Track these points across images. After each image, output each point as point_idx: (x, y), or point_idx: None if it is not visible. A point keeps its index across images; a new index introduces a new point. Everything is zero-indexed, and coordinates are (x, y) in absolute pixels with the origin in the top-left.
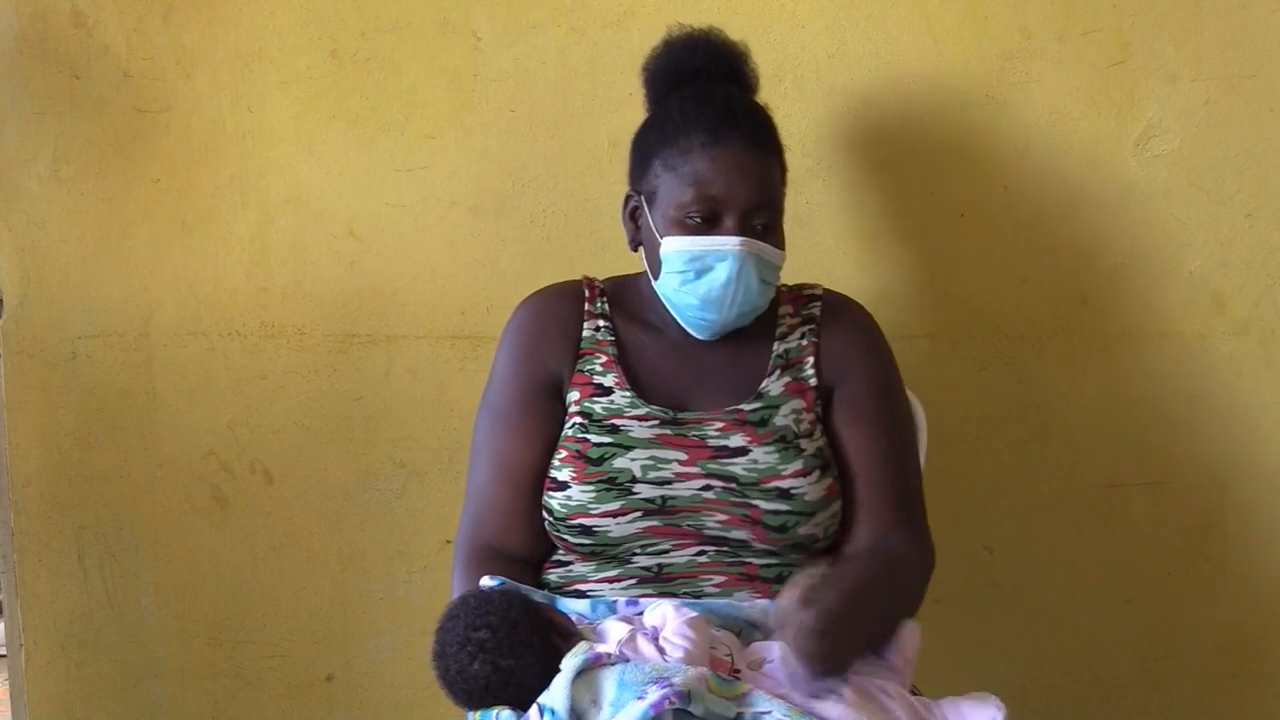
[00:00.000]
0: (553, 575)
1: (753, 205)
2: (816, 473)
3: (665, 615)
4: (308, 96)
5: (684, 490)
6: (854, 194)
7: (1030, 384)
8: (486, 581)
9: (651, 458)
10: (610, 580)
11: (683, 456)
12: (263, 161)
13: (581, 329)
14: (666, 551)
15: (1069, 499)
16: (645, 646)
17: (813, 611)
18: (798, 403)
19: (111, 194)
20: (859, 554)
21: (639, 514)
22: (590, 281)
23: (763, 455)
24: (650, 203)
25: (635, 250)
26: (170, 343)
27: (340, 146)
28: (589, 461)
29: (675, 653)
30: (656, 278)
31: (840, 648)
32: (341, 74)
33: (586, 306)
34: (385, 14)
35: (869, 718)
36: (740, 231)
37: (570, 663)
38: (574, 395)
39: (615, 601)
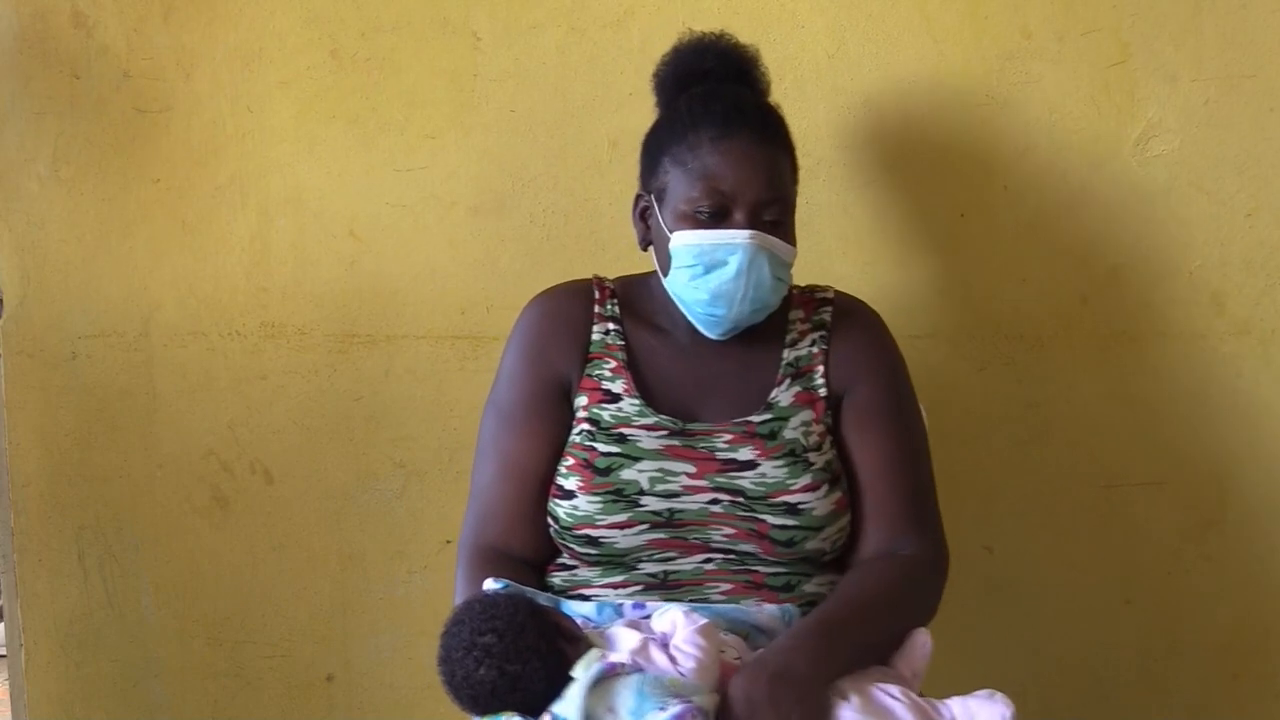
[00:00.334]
0: (557, 579)
1: (762, 200)
2: (825, 487)
3: (675, 621)
4: (308, 96)
5: (691, 504)
6: (854, 194)
7: (1030, 384)
8: (490, 584)
9: (660, 469)
10: (615, 586)
11: (691, 469)
12: (263, 161)
13: (591, 331)
14: (673, 559)
15: (1069, 499)
16: (658, 656)
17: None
18: (807, 414)
19: (111, 194)
20: (869, 561)
21: (645, 526)
22: (600, 282)
23: (771, 470)
24: (660, 200)
25: (645, 250)
26: (170, 343)
27: (340, 146)
28: (596, 471)
29: (687, 662)
30: (666, 275)
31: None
32: (341, 74)
33: (596, 309)
34: (385, 14)
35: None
36: (750, 225)
37: (584, 672)
38: (582, 400)
39: (621, 604)
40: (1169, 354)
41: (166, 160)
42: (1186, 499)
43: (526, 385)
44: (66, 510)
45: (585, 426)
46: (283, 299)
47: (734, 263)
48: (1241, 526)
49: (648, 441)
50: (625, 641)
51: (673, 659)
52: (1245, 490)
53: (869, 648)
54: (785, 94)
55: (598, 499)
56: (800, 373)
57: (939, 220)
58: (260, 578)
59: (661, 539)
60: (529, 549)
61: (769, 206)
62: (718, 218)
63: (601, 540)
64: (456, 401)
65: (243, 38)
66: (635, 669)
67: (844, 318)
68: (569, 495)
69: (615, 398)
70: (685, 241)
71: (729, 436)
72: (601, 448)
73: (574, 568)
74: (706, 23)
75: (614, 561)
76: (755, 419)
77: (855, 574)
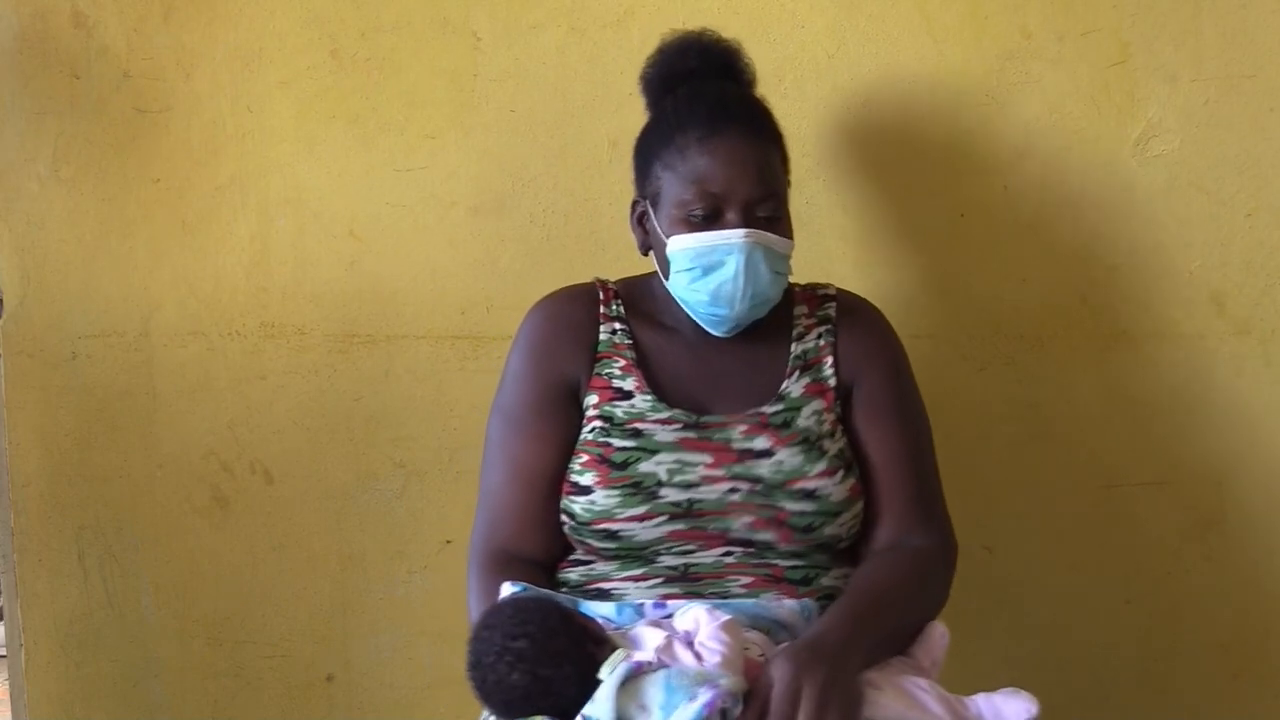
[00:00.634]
0: (573, 574)
1: (754, 197)
2: (840, 473)
3: (698, 619)
4: (308, 96)
5: (711, 494)
6: (854, 194)
7: (1030, 384)
8: (509, 587)
9: (678, 461)
10: (635, 579)
11: (709, 459)
12: (263, 161)
13: (598, 332)
14: (693, 552)
15: (1069, 499)
16: (683, 653)
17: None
18: (818, 403)
19: (111, 194)
20: (881, 552)
21: (665, 518)
22: (604, 284)
23: (788, 457)
24: (655, 205)
25: (646, 254)
26: (170, 343)
27: (340, 146)
28: (613, 466)
29: (712, 658)
30: (667, 278)
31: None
32: (341, 74)
33: (601, 309)
34: (385, 14)
35: (906, 709)
36: (744, 223)
37: (612, 673)
38: (592, 399)
39: (642, 604)
40: (1169, 354)
41: (166, 160)
42: (1186, 499)
43: (533, 388)
44: (66, 510)
45: (598, 424)
46: (283, 299)
47: (731, 263)
48: (1241, 526)
49: (663, 435)
50: (650, 640)
51: (698, 655)
52: (1245, 490)
53: (889, 637)
54: (784, 94)
55: (616, 492)
56: (809, 365)
57: (939, 220)
58: (260, 578)
59: (681, 530)
60: (540, 551)
61: (762, 202)
62: (712, 218)
63: (621, 534)
64: (456, 401)
65: (243, 38)
66: (661, 666)
67: (848, 313)
68: (585, 491)
69: (627, 395)
70: (681, 245)
71: (744, 427)
72: (617, 443)
73: (590, 563)
74: (706, 23)
75: (634, 555)
76: (768, 409)
77: (869, 566)
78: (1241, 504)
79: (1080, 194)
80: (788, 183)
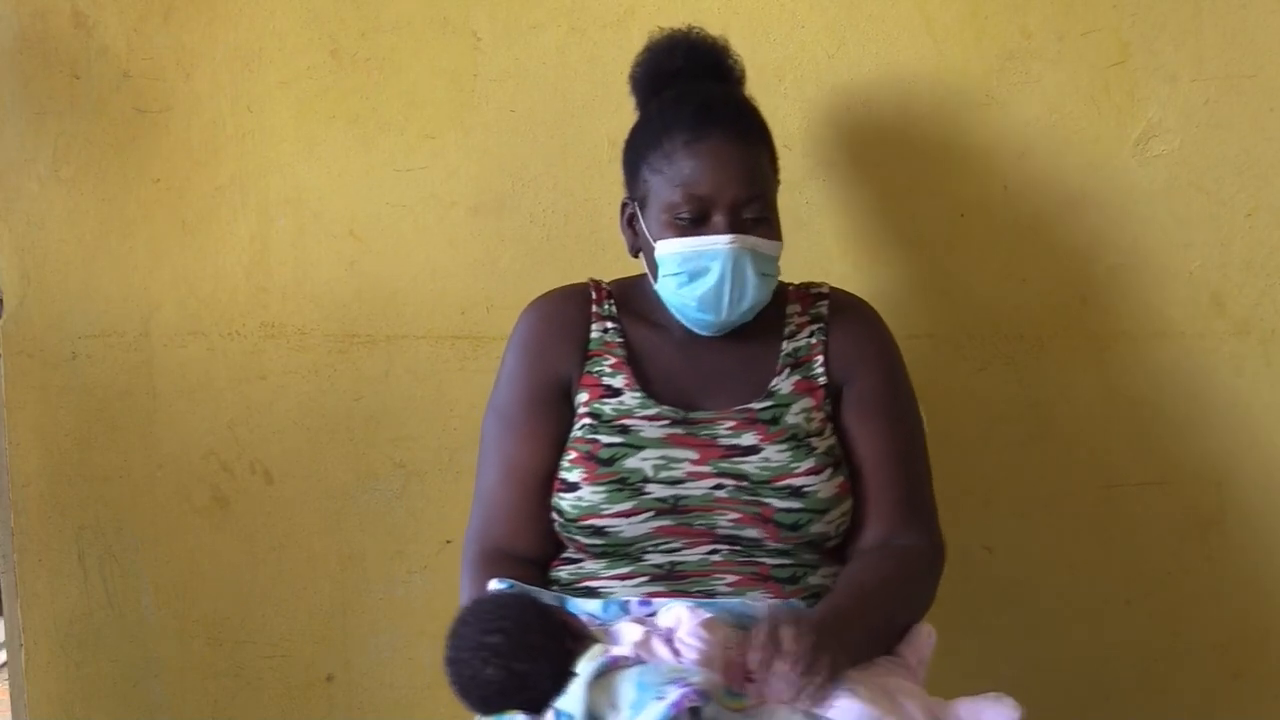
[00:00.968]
0: (563, 573)
1: (740, 199)
2: (828, 471)
3: (680, 617)
4: (308, 96)
5: (696, 490)
6: (854, 194)
7: (1030, 384)
8: (495, 584)
9: (663, 457)
10: (622, 578)
11: (694, 456)
12: (263, 161)
13: (589, 331)
14: (679, 550)
15: (1069, 499)
16: (660, 648)
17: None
18: (807, 401)
19: (111, 194)
20: (868, 552)
21: (651, 514)
22: (597, 284)
23: (775, 454)
24: (643, 208)
25: (636, 256)
26: (170, 343)
27: (340, 146)
28: (600, 462)
29: (690, 654)
30: (656, 281)
31: (829, 652)
32: (341, 74)
33: (594, 308)
34: (385, 14)
35: (884, 713)
36: (730, 226)
37: (586, 667)
38: (583, 396)
39: (628, 602)
40: (1169, 354)
41: (166, 160)
42: (1186, 499)
43: (526, 387)
44: (66, 510)
45: (587, 421)
46: (283, 299)
47: (716, 269)
48: (1241, 526)
49: (650, 431)
50: (628, 636)
51: (676, 652)
52: (1245, 490)
53: (874, 635)
54: (784, 94)
55: (602, 488)
56: (799, 363)
57: (939, 220)
58: (260, 578)
59: (667, 526)
60: (533, 549)
61: (749, 204)
62: (699, 221)
63: (607, 530)
64: (456, 401)
65: (243, 38)
66: (637, 662)
67: (841, 311)
68: (573, 487)
69: (616, 392)
70: (668, 250)
71: (731, 423)
72: (604, 439)
73: (579, 561)
74: (707, 23)
75: (620, 552)
76: (756, 406)
77: (855, 565)
78: (1241, 504)
79: (1080, 194)
80: (776, 182)
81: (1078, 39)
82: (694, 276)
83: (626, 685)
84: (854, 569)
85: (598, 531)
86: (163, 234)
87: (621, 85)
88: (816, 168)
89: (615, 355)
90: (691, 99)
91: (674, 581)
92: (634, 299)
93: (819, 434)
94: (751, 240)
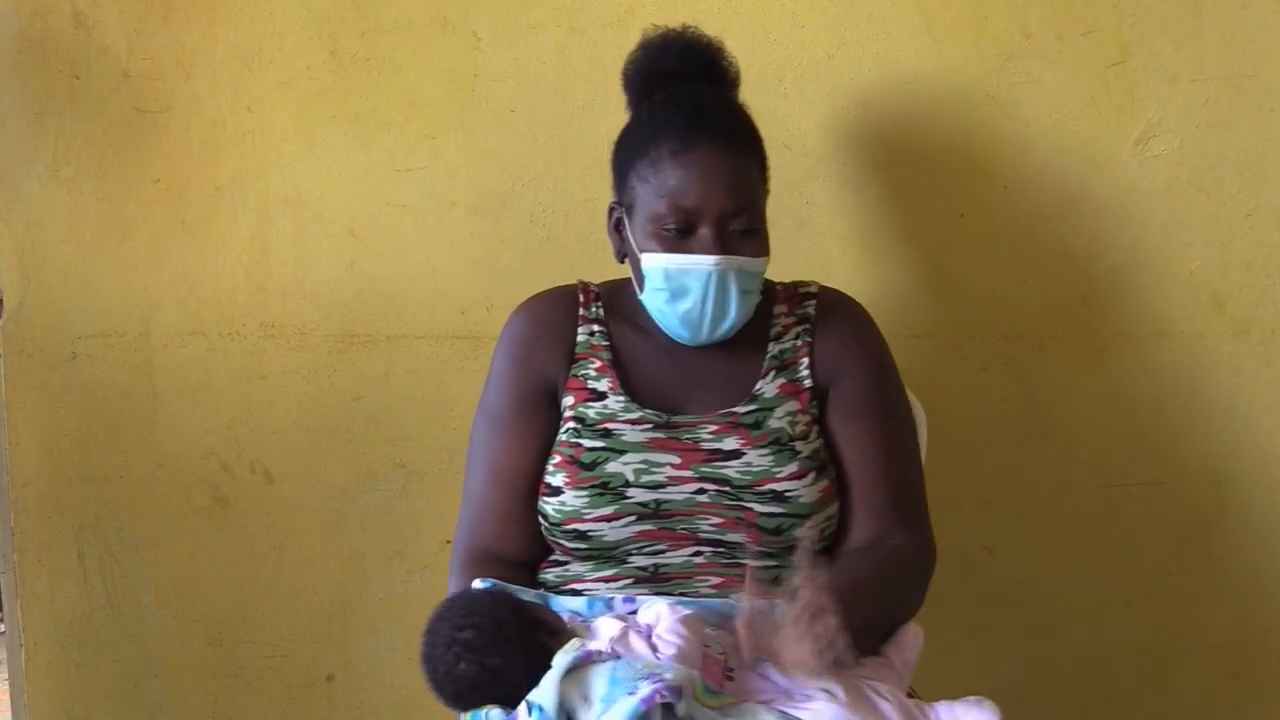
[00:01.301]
0: (550, 575)
1: (728, 211)
2: (812, 475)
3: (659, 613)
4: (308, 96)
5: (677, 494)
6: (854, 194)
7: (1030, 384)
8: (478, 584)
9: (644, 461)
10: (607, 580)
11: (676, 460)
12: (263, 161)
13: (576, 333)
14: (663, 552)
15: (1069, 499)
16: (638, 643)
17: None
18: (792, 404)
19: (111, 194)
20: (855, 552)
21: (633, 518)
22: (585, 286)
23: (757, 458)
24: (629, 215)
25: (622, 262)
26: (170, 343)
27: (340, 146)
28: (582, 466)
29: (668, 650)
30: (641, 290)
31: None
32: (341, 74)
33: (581, 311)
34: (385, 14)
35: (862, 716)
36: (716, 240)
37: (561, 660)
38: (568, 400)
39: (612, 599)
40: (1169, 354)
41: (166, 160)
42: (1186, 499)
43: (514, 389)
44: (66, 510)
45: (571, 424)
46: (283, 299)
47: (698, 289)
48: (1241, 526)
49: (632, 435)
50: (606, 631)
51: (654, 647)
52: (1245, 490)
53: (862, 634)
54: (784, 94)
55: (584, 493)
56: (785, 365)
57: (939, 220)
58: (260, 578)
59: (650, 530)
60: (522, 550)
61: (736, 217)
62: (685, 233)
63: (590, 534)
64: (456, 401)
65: (243, 38)
66: (613, 656)
67: (828, 311)
68: (556, 491)
69: (600, 396)
70: (653, 264)
71: (714, 427)
72: (587, 443)
73: (566, 563)
74: (707, 23)
75: (604, 555)
76: (740, 410)
77: (845, 563)
78: (1241, 504)
79: (1080, 194)
80: (766, 192)
81: (1078, 39)
82: (676, 295)
83: (599, 679)
84: (842, 568)
85: (581, 535)
86: (163, 234)
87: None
88: (816, 168)
89: (600, 358)
90: (682, 105)
91: (658, 584)
92: (622, 302)
93: (804, 437)
94: (737, 261)
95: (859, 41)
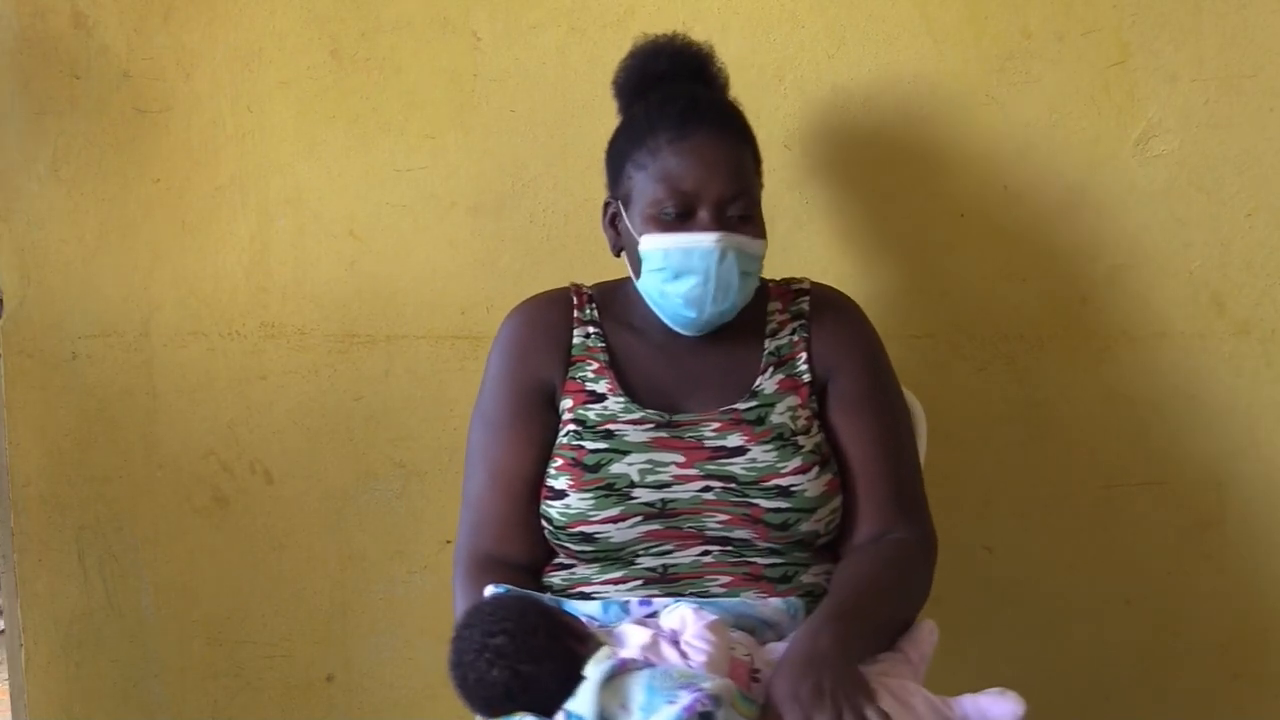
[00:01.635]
0: (556, 578)
1: (726, 196)
2: (816, 469)
3: (684, 618)
4: (308, 96)
5: (683, 493)
6: (854, 194)
7: (1030, 384)
8: (491, 589)
9: (649, 461)
10: (615, 582)
11: (680, 459)
12: (263, 161)
13: (572, 336)
14: (671, 552)
15: (1069, 499)
16: (668, 651)
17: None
18: (793, 399)
19: (111, 194)
20: (862, 548)
21: (639, 518)
22: (578, 288)
23: (761, 454)
24: (626, 205)
25: (618, 255)
26: (170, 343)
27: (340, 146)
28: (586, 469)
29: (697, 657)
30: (639, 278)
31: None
32: (341, 74)
33: (575, 313)
34: (385, 14)
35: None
36: (716, 223)
37: (596, 670)
38: (567, 403)
39: (628, 603)
40: (1169, 354)
41: (166, 160)
42: (1186, 499)
43: (510, 393)
44: (66, 510)
45: (572, 427)
46: (283, 299)
47: (701, 267)
48: (1241, 526)
49: (635, 435)
50: (635, 638)
51: (683, 654)
52: (1245, 490)
53: (877, 631)
54: (784, 94)
55: (589, 495)
56: (783, 361)
57: (939, 220)
58: (260, 578)
59: (656, 530)
60: (523, 554)
61: (733, 202)
62: (683, 218)
63: (597, 536)
64: (456, 401)
65: (243, 38)
66: (646, 665)
67: (822, 307)
68: (560, 495)
69: (600, 397)
70: (653, 245)
71: (716, 425)
72: (590, 445)
73: (571, 567)
74: (705, 22)
75: (611, 557)
76: (741, 406)
77: (850, 562)
78: (1241, 504)
79: (1080, 194)
80: (760, 184)
81: (1078, 39)
82: (678, 273)
83: (637, 688)
84: (849, 566)
85: (587, 538)
86: (163, 234)
87: None
88: (816, 168)
89: (598, 360)
90: (678, 99)
91: (667, 584)
92: (615, 303)
93: (805, 432)
94: (737, 239)
95: (859, 41)
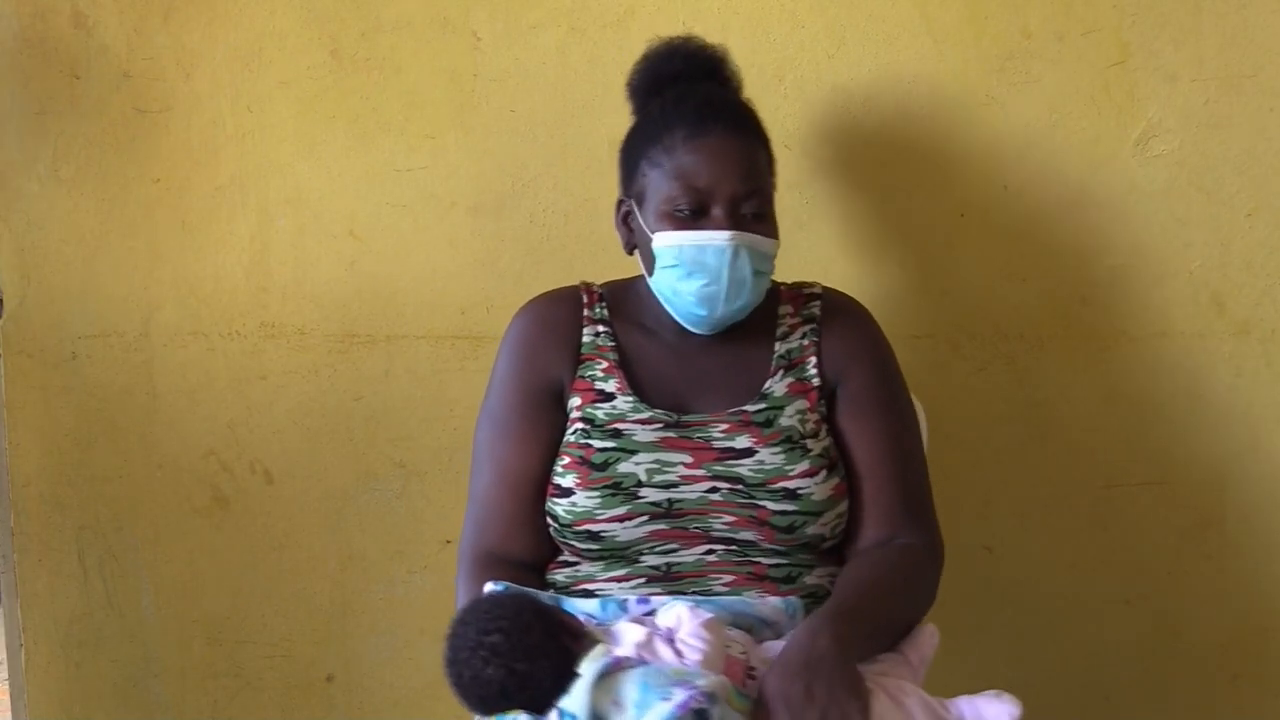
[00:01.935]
0: (560, 575)
1: (740, 193)
2: (823, 473)
3: (680, 616)
4: (308, 96)
5: (690, 493)
6: (854, 194)
7: (1030, 384)
8: (490, 586)
9: (657, 461)
10: (618, 580)
11: (688, 459)
12: (263, 161)
13: (581, 334)
14: (675, 551)
15: (1069, 499)
16: (662, 649)
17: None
18: (802, 403)
19: (111, 194)
20: (868, 551)
21: (645, 518)
22: (588, 287)
23: (769, 456)
24: (640, 203)
25: (631, 253)
26: (170, 343)
27: (340, 146)
28: (593, 467)
29: (692, 655)
30: (651, 275)
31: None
32: (341, 74)
33: (585, 312)
34: (385, 14)
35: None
36: (729, 221)
37: (590, 667)
38: (575, 401)
39: (626, 600)
40: (1169, 354)
41: (166, 160)
42: (1186, 499)
43: (518, 391)
44: (66, 510)
45: (580, 425)
46: (283, 299)
47: (714, 264)
48: (1241, 526)
49: (643, 435)
50: (630, 636)
51: (678, 652)
52: (1245, 490)
53: (879, 633)
54: (784, 94)
55: (596, 493)
56: (793, 364)
57: (939, 220)
58: (260, 578)
59: (662, 530)
60: (528, 552)
61: (747, 200)
62: (697, 215)
63: (603, 534)
64: (456, 401)
65: (243, 38)
66: (640, 663)
67: (833, 311)
68: (567, 493)
69: (609, 396)
70: (667, 242)
71: (725, 426)
72: (597, 444)
73: (576, 564)
74: (707, 23)
75: (616, 555)
76: (750, 408)
77: (856, 563)
78: (1241, 504)
79: (1080, 194)
80: (773, 184)
81: (1078, 39)
82: (691, 270)
83: (631, 686)
84: (854, 568)
85: (593, 536)
86: (163, 234)
87: (622, 85)
88: (816, 168)
89: (607, 359)
90: (693, 97)
91: (671, 582)
92: (626, 302)
93: (814, 435)
94: (750, 237)
95: (859, 41)
